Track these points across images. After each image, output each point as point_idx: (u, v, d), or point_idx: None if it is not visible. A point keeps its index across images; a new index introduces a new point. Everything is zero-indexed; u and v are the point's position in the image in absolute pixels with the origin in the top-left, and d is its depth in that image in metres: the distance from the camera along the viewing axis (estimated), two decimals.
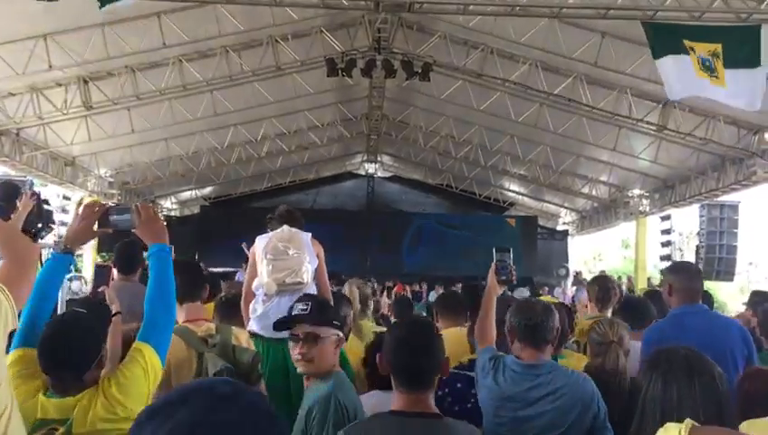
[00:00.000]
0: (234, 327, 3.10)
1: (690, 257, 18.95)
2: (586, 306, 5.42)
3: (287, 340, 2.72)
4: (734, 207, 17.73)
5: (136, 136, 15.69)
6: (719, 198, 16.70)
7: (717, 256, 17.75)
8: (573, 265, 25.04)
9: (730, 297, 30.96)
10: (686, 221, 19.90)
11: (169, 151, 17.57)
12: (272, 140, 18.66)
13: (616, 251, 41.83)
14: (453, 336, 3.79)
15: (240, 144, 18.39)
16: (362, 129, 20.28)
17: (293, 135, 18.79)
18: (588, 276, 24.91)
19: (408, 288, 17.84)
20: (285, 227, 3.55)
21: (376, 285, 20.42)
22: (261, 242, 3.43)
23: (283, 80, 14.61)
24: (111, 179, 18.62)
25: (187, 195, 23.79)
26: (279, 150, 19.72)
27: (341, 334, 2.67)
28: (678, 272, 3.63)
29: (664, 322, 3.56)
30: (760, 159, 12.78)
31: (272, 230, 3.69)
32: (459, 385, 3.18)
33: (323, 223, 24.04)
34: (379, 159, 24.31)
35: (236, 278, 11.25)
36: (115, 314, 2.49)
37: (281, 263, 3.27)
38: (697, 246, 18.11)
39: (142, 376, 2.16)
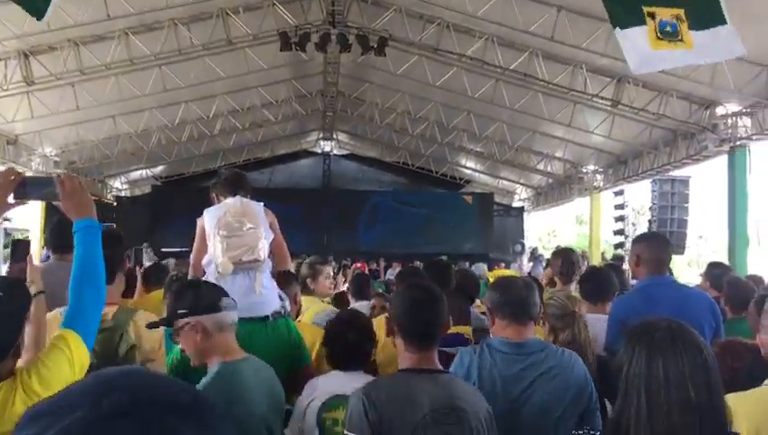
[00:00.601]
0: (140, 311, 2.82)
1: (643, 232, 19.29)
2: (546, 283, 5.33)
3: (247, 322, 2.58)
4: (684, 182, 18.05)
5: (81, 113, 15.10)
6: (671, 173, 16.97)
7: (669, 229, 18.07)
8: (529, 242, 25.25)
9: (678, 270, 31.74)
10: (639, 196, 20.24)
11: (117, 129, 16.98)
12: (224, 117, 18.21)
13: (570, 227, 42.37)
14: None
15: (191, 121, 17.90)
16: (317, 106, 19.96)
17: (247, 112, 18.37)
18: (543, 253, 25.16)
19: (365, 266, 17.69)
20: (238, 197, 3.27)
21: (334, 263, 20.35)
22: (212, 216, 3.15)
23: (234, 55, 14.22)
24: (57, 159, 17.91)
25: (137, 174, 23.14)
26: (232, 128, 19.27)
27: (193, 320, 2.42)
28: (647, 242, 3.50)
29: (632, 294, 3.45)
30: (711, 133, 12.96)
31: (218, 198, 3.42)
32: None
33: (280, 202, 23.75)
34: (334, 136, 24.04)
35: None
36: (37, 295, 2.25)
37: (236, 240, 3.00)
38: (650, 221, 18.41)
39: (67, 367, 1.91)
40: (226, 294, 2.50)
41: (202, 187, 22.89)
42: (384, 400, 2.18)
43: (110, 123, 16.54)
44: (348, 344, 2.88)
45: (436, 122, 18.67)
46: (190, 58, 13.69)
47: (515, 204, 25.67)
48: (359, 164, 25.37)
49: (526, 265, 21.75)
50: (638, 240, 3.54)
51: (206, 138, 19.45)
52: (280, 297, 3.11)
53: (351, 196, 24.59)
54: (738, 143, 12.79)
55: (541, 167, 20.35)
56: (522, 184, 24.13)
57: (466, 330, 3.28)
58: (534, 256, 20.68)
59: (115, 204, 23.38)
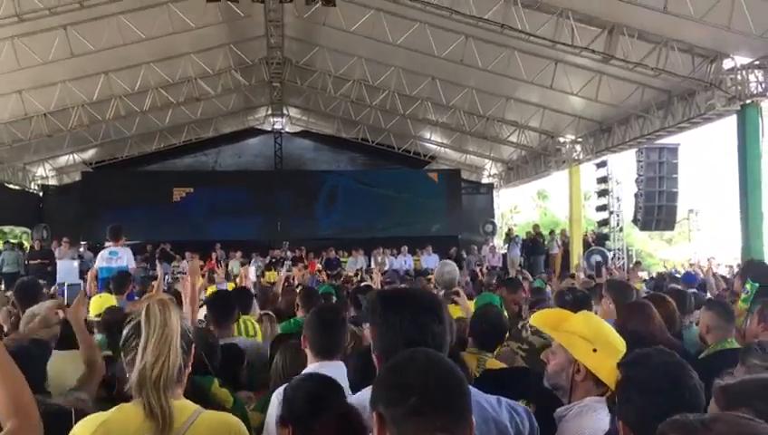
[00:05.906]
0: None
1: (629, 207, 17.66)
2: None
3: None
4: (673, 151, 16.39)
5: None
6: (657, 142, 15.25)
7: (657, 204, 16.45)
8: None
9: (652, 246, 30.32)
10: (620, 168, 18.49)
11: (25, 107, 14.51)
12: (154, 90, 15.80)
13: (530, 203, 41.22)
14: None
15: (116, 96, 15.45)
16: (262, 76, 17.60)
17: (180, 84, 16.00)
18: (505, 228, 23.16)
19: (323, 255, 15.49)
20: None
21: (288, 253, 18.18)
22: None
23: (154, 12, 11.92)
24: None
25: (64, 160, 20.44)
26: (166, 103, 16.72)
27: None
28: None
29: None
30: (717, 89, 11.12)
31: None
32: None
33: (227, 186, 21.69)
34: (285, 111, 21.71)
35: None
36: None
37: None
38: (636, 195, 16.74)
39: None
40: None
41: (139, 171, 20.87)
42: None
43: (15, 100, 14.11)
44: None
45: (396, 91, 16.57)
46: (98, 17, 11.38)
47: (484, 180, 23.71)
48: (313, 142, 23.09)
49: (500, 248, 19.91)
50: None
51: (137, 115, 16.95)
52: None
53: (307, 177, 22.49)
54: (749, 101, 11.01)
55: (513, 139, 18.38)
56: (491, 158, 22.16)
57: None
58: (510, 238, 18.85)
59: (41, 194, 20.83)
